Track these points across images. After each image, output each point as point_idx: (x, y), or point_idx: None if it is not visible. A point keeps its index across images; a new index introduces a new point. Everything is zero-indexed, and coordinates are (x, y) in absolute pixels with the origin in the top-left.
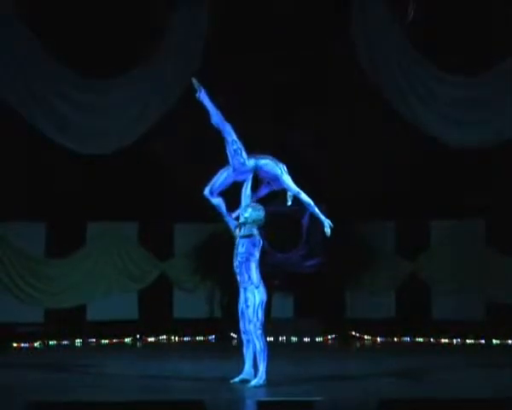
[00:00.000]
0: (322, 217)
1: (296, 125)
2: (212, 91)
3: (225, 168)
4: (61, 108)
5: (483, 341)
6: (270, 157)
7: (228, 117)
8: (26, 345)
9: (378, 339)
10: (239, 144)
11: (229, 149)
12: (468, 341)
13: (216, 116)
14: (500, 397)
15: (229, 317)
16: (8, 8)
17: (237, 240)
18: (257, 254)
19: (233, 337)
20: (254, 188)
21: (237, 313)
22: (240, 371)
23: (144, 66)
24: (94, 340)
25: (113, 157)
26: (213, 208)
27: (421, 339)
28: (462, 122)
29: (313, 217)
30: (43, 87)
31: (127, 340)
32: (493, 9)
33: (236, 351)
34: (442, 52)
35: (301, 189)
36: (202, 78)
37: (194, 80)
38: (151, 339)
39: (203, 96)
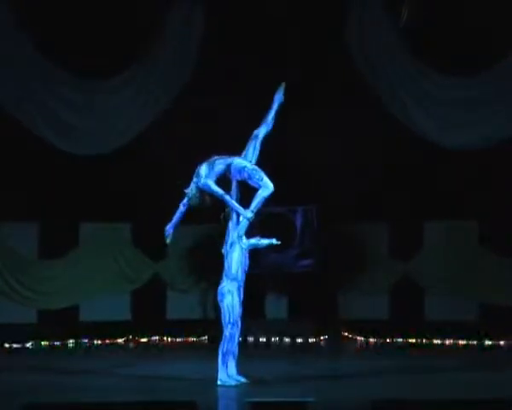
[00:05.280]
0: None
1: (290, 127)
2: (207, 91)
3: None
4: (56, 108)
5: (476, 342)
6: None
7: (223, 117)
8: (19, 346)
9: (371, 340)
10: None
11: None
12: (461, 342)
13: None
14: (490, 398)
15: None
16: (3, 10)
17: None
18: None
19: None
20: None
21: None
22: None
23: (141, 66)
24: (87, 341)
25: (106, 157)
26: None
27: (414, 340)
28: (457, 123)
29: (307, 217)
30: (37, 87)
31: (120, 341)
32: (490, 10)
33: None
34: (437, 53)
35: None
36: (198, 77)
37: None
38: (144, 340)
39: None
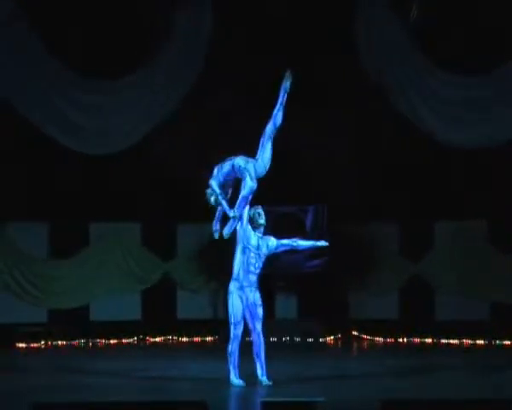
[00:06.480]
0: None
1: (298, 126)
2: (214, 91)
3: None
4: (65, 109)
5: (486, 341)
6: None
7: (229, 116)
8: (30, 345)
9: (381, 340)
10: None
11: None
12: (471, 341)
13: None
14: (502, 398)
15: None
16: (11, 11)
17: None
18: None
19: None
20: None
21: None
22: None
23: (148, 66)
24: (97, 340)
25: (116, 157)
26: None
27: (424, 340)
28: (464, 122)
29: (317, 216)
30: (46, 88)
31: (130, 340)
32: (501, 7)
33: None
34: (444, 52)
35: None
36: (205, 78)
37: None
38: (154, 339)
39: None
